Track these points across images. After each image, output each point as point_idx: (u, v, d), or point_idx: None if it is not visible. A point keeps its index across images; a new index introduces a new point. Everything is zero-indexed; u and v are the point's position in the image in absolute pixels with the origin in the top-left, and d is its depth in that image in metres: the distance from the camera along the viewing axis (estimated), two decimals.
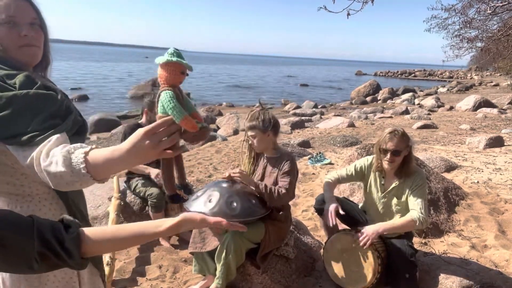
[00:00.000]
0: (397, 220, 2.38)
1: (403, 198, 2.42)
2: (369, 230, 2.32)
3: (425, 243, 3.16)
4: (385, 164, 2.37)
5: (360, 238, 2.30)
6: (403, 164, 2.39)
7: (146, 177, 3.25)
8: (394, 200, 2.45)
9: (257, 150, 2.51)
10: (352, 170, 2.60)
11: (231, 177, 2.47)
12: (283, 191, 2.33)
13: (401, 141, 2.32)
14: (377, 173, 2.52)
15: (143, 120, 3.38)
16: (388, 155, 2.32)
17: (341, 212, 2.36)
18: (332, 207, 2.40)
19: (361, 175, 2.59)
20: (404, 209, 2.43)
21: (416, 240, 3.05)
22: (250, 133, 2.42)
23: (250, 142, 2.47)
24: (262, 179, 2.50)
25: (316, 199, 2.81)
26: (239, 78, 44.73)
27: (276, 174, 2.43)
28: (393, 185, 2.44)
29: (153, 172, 3.19)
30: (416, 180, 2.37)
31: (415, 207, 2.33)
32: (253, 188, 2.37)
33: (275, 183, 2.43)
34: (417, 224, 2.28)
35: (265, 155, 2.53)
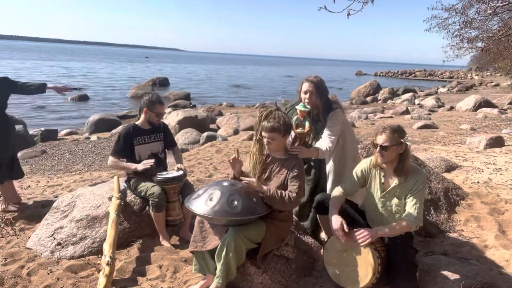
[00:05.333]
0: (393, 225, 2.40)
1: (403, 199, 2.43)
2: (367, 231, 2.34)
3: (425, 243, 3.16)
4: (376, 158, 2.45)
5: (358, 237, 2.32)
6: (399, 161, 2.41)
7: (147, 177, 3.24)
8: (395, 201, 2.46)
9: (271, 151, 2.50)
10: (354, 177, 2.61)
11: (235, 177, 2.48)
12: (294, 195, 2.35)
13: (389, 136, 2.35)
14: (376, 171, 2.53)
15: (141, 119, 3.36)
16: (378, 149, 2.38)
17: (346, 229, 2.38)
18: (337, 225, 2.39)
19: (362, 179, 2.60)
20: (403, 210, 2.43)
21: (416, 240, 3.04)
22: (268, 134, 2.37)
23: (265, 142, 2.44)
24: (268, 179, 2.50)
25: (316, 199, 2.81)
26: (239, 78, 44.72)
27: (285, 176, 2.43)
28: (393, 184, 2.44)
29: (139, 166, 3.16)
30: (418, 183, 2.39)
31: (411, 210, 2.37)
32: (264, 195, 2.36)
33: (283, 184, 2.43)
34: (411, 228, 2.37)
35: (273, 155, 2.52)
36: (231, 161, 2.56)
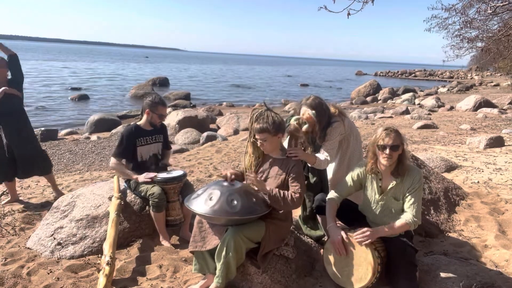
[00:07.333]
0: (392, 224, 2.40)
1: (401, 199, 2.43)
2: (367, 231, 2.35)
3: (425, 243, 3.16)
4: (383, 161, 2.38)
5: (358, 237, 2.33)
6: (398, 162, 2.40)
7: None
8: (393, 202, 2.45)
9: (266, 152, 2.51)
10: (350, 181, 2.61)
11: (228, 177, 2.48)
12: (297, 195, 2.35)
13: (397, 136, 2.36)
14: (373, 175, 2.51)
15: (143, 120, 3.36)
16: (387, 150, 2.34)
17: (345, 239, 2.39)
18: (337, 239, 2.39)
19: (358, 184, 2.60)
20: (402, 210, 2.43)
21: (416, 240, 3.05)
22: (260, 136, 2.39)
23: (258, 144, 2.45)
24: (265, 180, 2.50)
25: (315, 199, 2.81)
26: (239, 78, 44.71)
27: (284, 177, 2.43)
28: (391, 185, 2.44)
29: (140, 177, 3.18)
30: (415, 182, 2.39)
31: (409, 209, 2.38)
32: (266, 194, 2.37)
33: (283, 185, 2.43)
34: (410, 227, 2.38)
35: (271, 156, 2.52)
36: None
